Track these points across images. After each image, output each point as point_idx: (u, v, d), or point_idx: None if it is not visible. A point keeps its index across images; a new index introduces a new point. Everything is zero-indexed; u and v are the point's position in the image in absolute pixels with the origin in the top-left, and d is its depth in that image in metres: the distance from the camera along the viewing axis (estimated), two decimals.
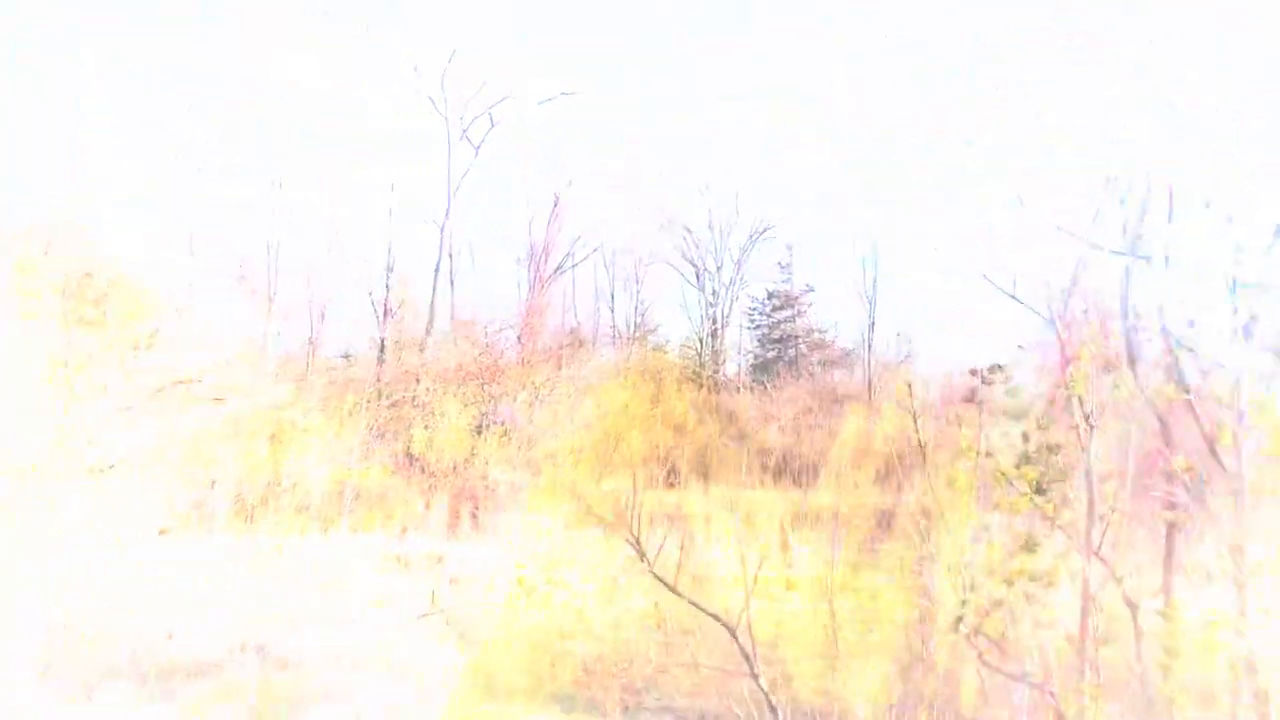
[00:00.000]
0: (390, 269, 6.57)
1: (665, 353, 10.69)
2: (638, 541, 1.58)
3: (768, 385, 9.77)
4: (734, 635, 1.58)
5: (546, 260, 8.48)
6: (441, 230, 6.43)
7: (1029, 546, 2.43)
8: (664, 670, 2.52)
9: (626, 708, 2.34)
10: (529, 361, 7.28)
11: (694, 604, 1.81)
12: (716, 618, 1.73)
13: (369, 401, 5.71)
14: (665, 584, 1.37)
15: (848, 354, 10.81)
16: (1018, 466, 2.45)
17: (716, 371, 10.36)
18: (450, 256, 7.07)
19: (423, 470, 5.89)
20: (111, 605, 3.05)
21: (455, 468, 5.88)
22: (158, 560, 3.64)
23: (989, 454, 2.52)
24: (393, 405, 5.82)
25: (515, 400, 5.73)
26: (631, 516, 1.46)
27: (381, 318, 6.31)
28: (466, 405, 6.26)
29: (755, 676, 1.39)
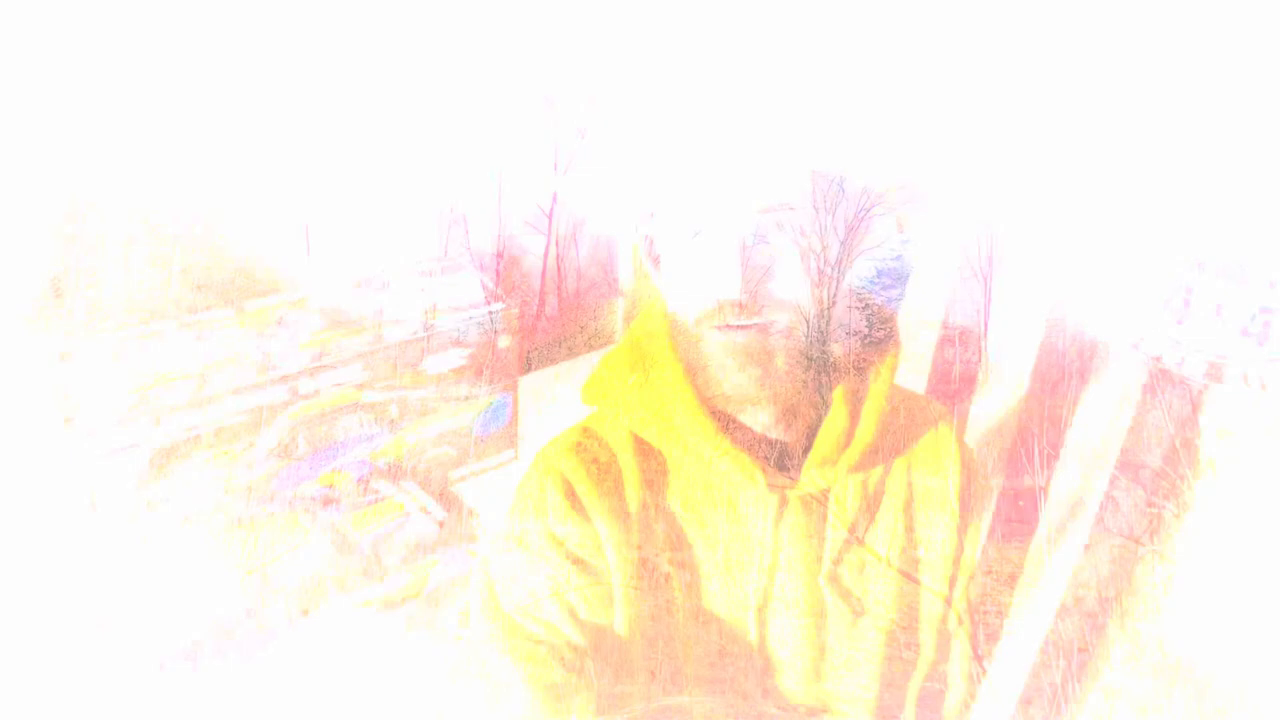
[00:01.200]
0: (501, 254, 6.70)
1: (769, 332, 10.56)
2: (842, 506, 1.53)
3: (878, 364, 9.56)
4: (962, 619, 1.50)
5: (652, 243, 8.47)
6: (550, 215, 6.52)
7: None
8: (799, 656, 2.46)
9: (766, 691, 2.29)
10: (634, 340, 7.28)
11: (914, 578, 1.74)
12: (935, 590, 1.67)
13: (482, 385, 5.84)
14: (876, 554, 1.31)
15: (964, 332, 10.44)
16: None
17: (824, 352, 10.19)
18: (557, 241, 7.15)
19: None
20: None
21: (566, 450, 5.96)
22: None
23: None
24: (505, 390, 5.94)
25: (628, 382, 5.79)
26: (848, 494, 1.35)
27: (491, 300, 6.44)
28: (574, 388, 6.33)
29: (979, 659, 1.31)
